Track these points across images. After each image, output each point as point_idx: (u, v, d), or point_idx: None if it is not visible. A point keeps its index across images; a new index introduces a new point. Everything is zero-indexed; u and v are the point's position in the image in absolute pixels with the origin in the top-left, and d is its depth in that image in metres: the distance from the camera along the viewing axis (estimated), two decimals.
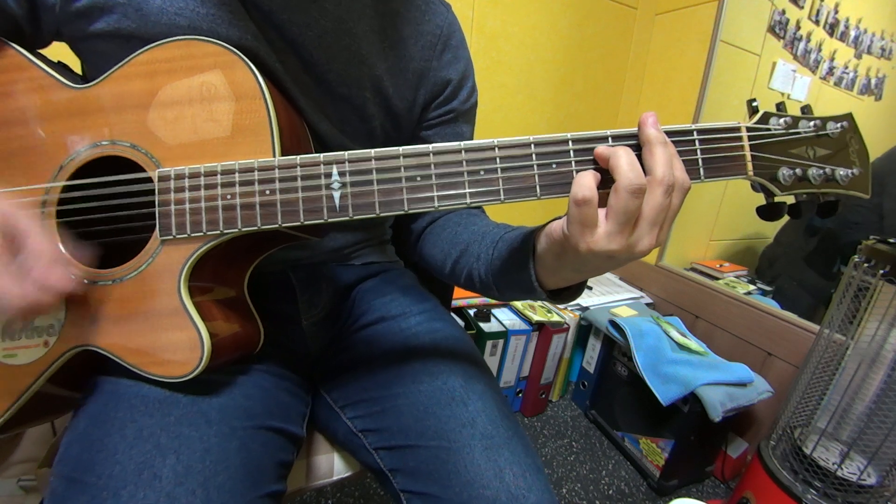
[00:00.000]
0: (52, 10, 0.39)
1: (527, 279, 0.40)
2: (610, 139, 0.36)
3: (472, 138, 0.59)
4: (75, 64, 0.47)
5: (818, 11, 1.39)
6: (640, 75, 1.56)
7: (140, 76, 0.39)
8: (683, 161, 0.35)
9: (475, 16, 1.23)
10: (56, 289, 0.32)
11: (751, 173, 0.36)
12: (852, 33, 1.46)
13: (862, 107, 1.54)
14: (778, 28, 1.35)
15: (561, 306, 1.38)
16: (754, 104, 0.37)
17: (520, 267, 0.41)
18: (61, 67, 0.43)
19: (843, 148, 0.37)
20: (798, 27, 1.37)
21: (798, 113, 0.37)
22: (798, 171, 0.36)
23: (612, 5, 1.43)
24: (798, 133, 0.36)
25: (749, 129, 0.36)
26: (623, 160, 0.32)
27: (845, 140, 0.37)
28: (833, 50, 1.45)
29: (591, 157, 0.35)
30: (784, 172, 0.36)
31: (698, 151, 0.36)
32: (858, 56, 1.49)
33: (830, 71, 1.46)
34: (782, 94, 1.41)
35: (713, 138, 0.36)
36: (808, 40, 1.40)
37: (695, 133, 0.36)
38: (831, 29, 1.43)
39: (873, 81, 1.53)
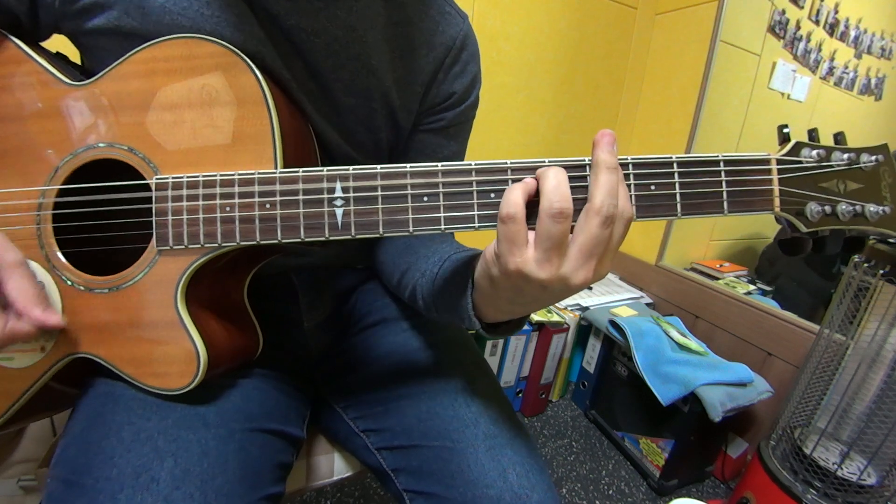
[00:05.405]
0: (50, 6, 0.39)
1: (463, 305, 0.38)
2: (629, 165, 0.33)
3: (450, 158, 0.53)
4: (75, 55, 0.45)
5: (818, 11, 1.39)
6: (640, 75, 1.55)
7: (138, 75, 0.37)
8: (706, 192, 0.33)
9: (475, 16, 1.23)
10: (33, 321, 0.33)
11: (777, 209, 0.34)
12: (852, 33, 1.46)
13: (862, 107, 1.54)
14: (778, 28, 1.35)
15: (560, 305, 1.38)
16: (785, 131, 0.35)
17: (459, 291, 0.39)
18: (59, 60, 0.42)
19: (875, 182, 0.34)
20: (798, 27, 1.37)
21: (831, 137, 0.35)
22: (827, 207, 0.33)
23: (612, 5, 1.43)
24: (830, 166, 0.34)
25: (779, 162, 0.34)
26: (549, 182, 0.30)
27: (878, 173, 0.34)
28: (833, 50, 1.45)
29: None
30: (812, 208, 0.33)
31: (724, 183, 0.33)
32: (858, 56, 1.49)
33: (830, 71, 1.46)
34: (782, 94, 1.41)
35: (741, 170, 0.33)
36: (808, 40, 1.40)
37: (721, 164, 0.33)
38: (831, 29, 1.43)
39: (873, 81, 1.53)
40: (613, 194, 0.30)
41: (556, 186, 0.30)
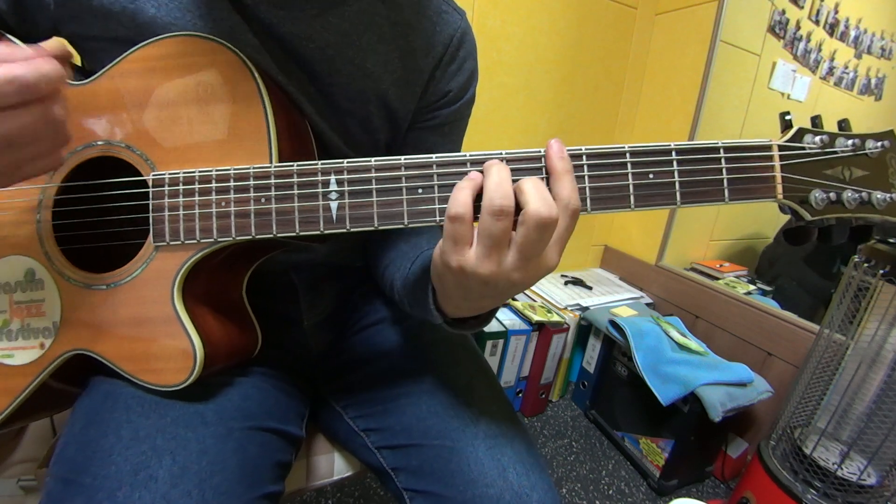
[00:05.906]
0: (46, 9, 0.39)
1: (427, 301, 0.39)
2: (628, 154, 0.33)
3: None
4: (76, 57, 0.45)
5: (818, 11, 1.39)
6: (640, 75, 1.55)
7: (135, 74, 0.38)
8: (706, 180, 0.33)
9: (475, 16, 1.23)
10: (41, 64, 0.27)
11: (780, 196, 0.33)
12: (852, 33, 1.46)
13: (862, 107, 1.54)
14: (778, 28, 1.35)
15: (560, 305, 1.38)
16: (787, 118, 0.34)
17: (424, 287, 0.39)
18: None
19: (882, 169, 0.33)
20: (798, 27, 1.37)
21: (835, 129, 0.34)
22: (832, 194, 0.33)
23: (612, 5, 1.43)
24: (835, 153, 0.33)
25: (781, 148, 0.33)
26: (491, 178, 0.30)
27: (885, 160, 0.33)
28: (833, 50, 1.45)
29: (604, 173, 0.33)
30: (817, 196, 0.32)
31: (724, 171, 0.33)
32: (858, 56, 1.49)
33: (830, 71, 1.46)
34: (782, 94, 1.41)
35: (741, 157, 0.33)
36: (808, 40, 1.40)
37: (721, 150, 0.33)
38: (831, 29, 1.43)
39: (873, 81, 1.53)
40: (545, 197, 0.29)
41: (497, 184, 0.30)
